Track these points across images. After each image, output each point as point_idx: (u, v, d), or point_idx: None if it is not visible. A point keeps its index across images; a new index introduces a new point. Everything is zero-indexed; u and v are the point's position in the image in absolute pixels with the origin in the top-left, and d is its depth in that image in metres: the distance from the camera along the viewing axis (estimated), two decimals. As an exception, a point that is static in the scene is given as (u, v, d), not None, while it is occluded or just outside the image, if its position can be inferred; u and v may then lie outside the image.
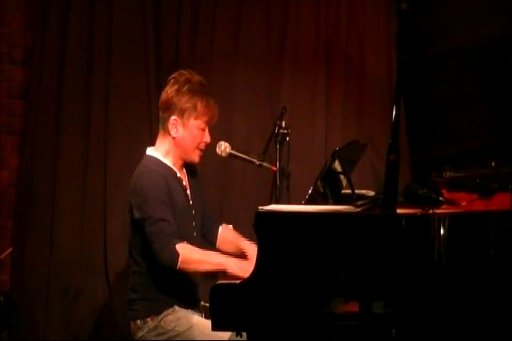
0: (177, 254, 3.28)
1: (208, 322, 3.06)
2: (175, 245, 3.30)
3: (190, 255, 3.31)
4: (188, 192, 3.58)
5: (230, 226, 3.80)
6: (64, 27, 4.94)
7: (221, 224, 3.77)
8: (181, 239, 3.35)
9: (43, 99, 4.96)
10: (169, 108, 3.49)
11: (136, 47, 4.92)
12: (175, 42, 4.90)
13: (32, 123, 4.98)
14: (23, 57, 5.07)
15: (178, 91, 3.49)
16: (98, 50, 4.93)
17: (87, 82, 4.95)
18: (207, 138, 3.57)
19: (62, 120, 4.93)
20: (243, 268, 3.19)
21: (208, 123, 3.54)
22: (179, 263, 3.28)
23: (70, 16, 4.93)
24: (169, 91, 3.51)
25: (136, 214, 3.41)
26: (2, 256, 4.97)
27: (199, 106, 3.49)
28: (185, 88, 3.48)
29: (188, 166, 3.64)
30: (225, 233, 3.75)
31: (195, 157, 3.57)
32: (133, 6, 4.92)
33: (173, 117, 3.49)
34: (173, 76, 3.54)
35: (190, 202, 3.58)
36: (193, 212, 3.57)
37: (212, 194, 4.78)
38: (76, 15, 4.93)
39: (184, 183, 3.58)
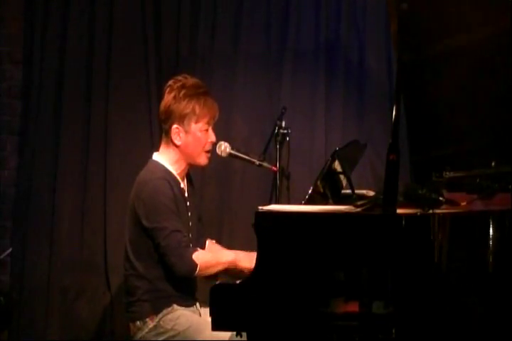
0: (195, 265, 3.36)
1: (208, 321, 3.06)
2: (191, 255, 3.37)
3: (205, 262, 3.39)
4: (188, 203, 3.59)
5: (213, 241, 3.82)
6: (64, 27, 4.94)
7: (206, 238, 3.79)
8: (193, 247, 3.43)
9: (43, 99, 4.96)
10: (169, 117, 3.49)
11: (136, 48, 4.92)
12: (175, 42, 4.89)
13: (32, 123, 4.98)
14: (23, 57, 5.07)
15: (174, 98, 3.48)
16: (98, 50, 4.93)
17: (87, 82, 4.95)
18: (212, 138, 3.57)
19: (62, 120, 4.93)
20: (253, 260, 3.19)
21: (209, 123, 3.54)
22: (197, 272, 3.37)
23: (70, 16, 4.93)
24: (166, 100, 3.50)
25: (146, 223, 3.41)
26: (2, 256, 4.98)
27: (197, 109, 3.48)
28: (181, 94, 3.47)
29: (188, 177, 3.64)
30: (211, 248, 3.75)
31: (202, 160, 3.57)
32: (133, 6, 4.92)
33: (174, 126, 3.49)
34: (168, 84, 3.54)
35: (189, 214, 3.58)
36: (190, 223, 3.58)
37: (212, 194, 4.79)
38: (76, 15, 4.94)
39: (186, 195, 3.58)
